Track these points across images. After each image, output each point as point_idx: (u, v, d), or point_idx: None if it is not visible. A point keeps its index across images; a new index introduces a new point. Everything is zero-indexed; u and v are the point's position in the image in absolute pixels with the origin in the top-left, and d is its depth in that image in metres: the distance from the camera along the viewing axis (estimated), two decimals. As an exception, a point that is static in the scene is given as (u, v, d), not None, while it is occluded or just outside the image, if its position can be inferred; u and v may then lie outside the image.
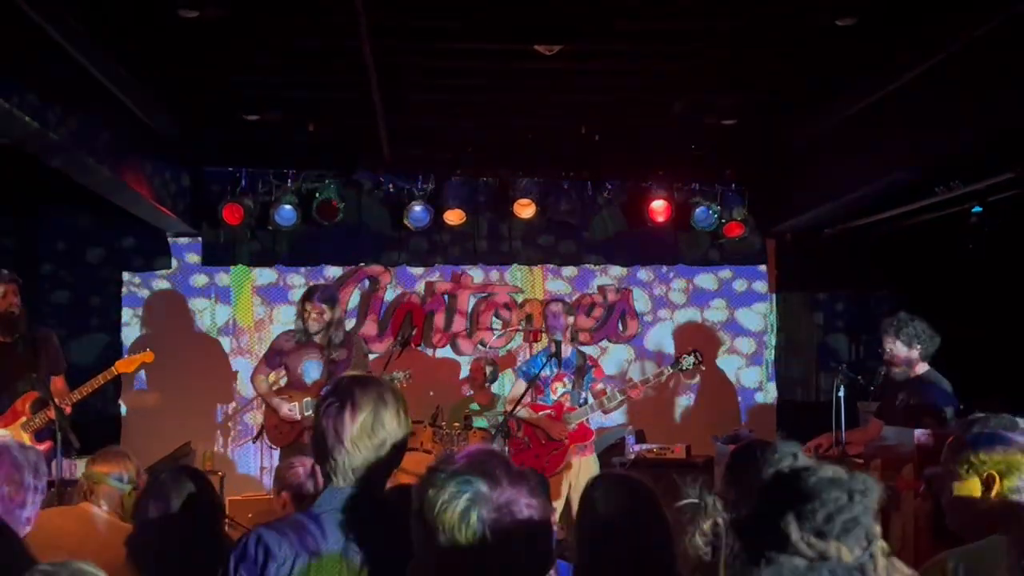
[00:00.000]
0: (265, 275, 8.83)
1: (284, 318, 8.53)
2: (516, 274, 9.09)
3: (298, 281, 8.79)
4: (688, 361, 6.93)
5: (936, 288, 7.76)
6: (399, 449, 2.46)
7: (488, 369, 8.18)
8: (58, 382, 5.98)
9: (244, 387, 8.50)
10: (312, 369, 6.42)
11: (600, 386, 6.92)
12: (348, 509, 2.37)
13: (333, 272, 8.90)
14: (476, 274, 9.07)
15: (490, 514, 1.66)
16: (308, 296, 6.44)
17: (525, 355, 8.62)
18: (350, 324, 8.83)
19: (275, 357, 6.60)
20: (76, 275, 8.52)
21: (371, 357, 6.50)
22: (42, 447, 5.73)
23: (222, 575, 2.35)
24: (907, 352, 5.62)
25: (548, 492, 3.58)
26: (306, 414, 6.25)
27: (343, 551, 2.30)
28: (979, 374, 6.25)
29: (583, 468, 6.71)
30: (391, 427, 2.41)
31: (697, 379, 8.85)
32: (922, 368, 5.64)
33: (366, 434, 2.37)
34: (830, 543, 1.31)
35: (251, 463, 8.37)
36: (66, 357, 6.45)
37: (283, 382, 6.75)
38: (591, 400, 6.83)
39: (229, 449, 8.55)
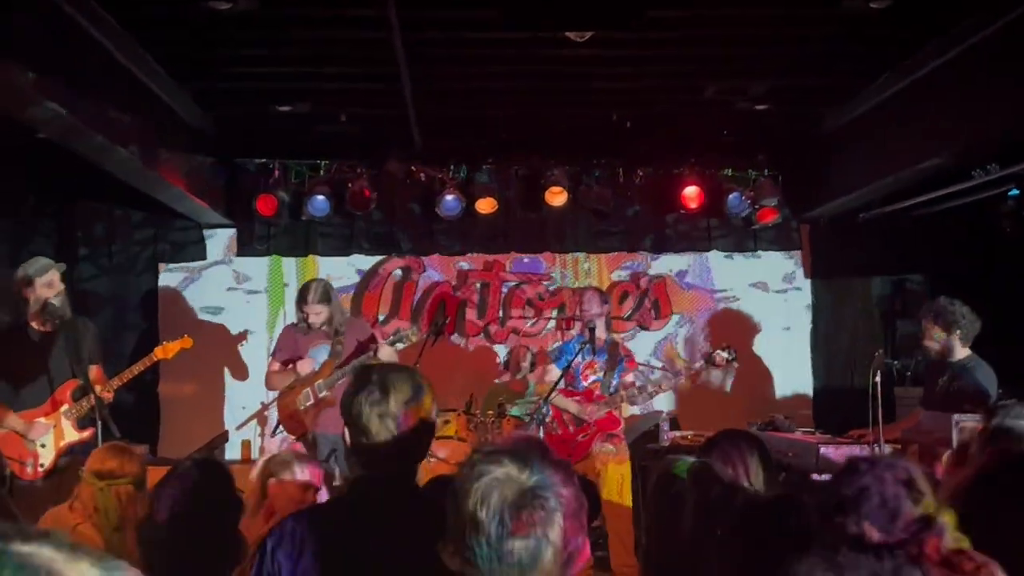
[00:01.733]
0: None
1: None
2: (554, 262, 9.08)
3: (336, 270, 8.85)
4: (722, 356, 6.89)
5: (974, 272, 7.68)
6: (430, 435, 2.48)
7: (525, 357, 8.20)
8: (96, 371, 6.04)
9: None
10: (321, 353, 6.51)
11: (630, 378, 6.91)
12: (382, 496, 2.38)
13: (365, 262, 8.93)
14: (508, 262, 9.07)
15: (514, 496, 1.65)
16: (303, 299, 6.54)
17: (557, 343, 8.62)
18: (383, 313, 8.89)
19: (283, 351, 6.70)
20: (113, 266, 8.61)
21: (401, 347, 6.48)
22: (84, 434, 5.82)
23: (257, 559, 2.37)
24: (947, 337, 5.57)
25: (592, 492, 3.60)
26: (321, 395, 6.33)
27: (374, 538, 2.32)
28: (1020, 358, 6.17)
29: (610, 456, 6.70)
30: (425, 413, 2.43)
31: (731, 372, 8.80)
32: (963, 353, 5.59)
33: (401, 419, 2.39)
34: (850, 523, 1.29)
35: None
36: (105, 348, 6.51)
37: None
38: (621, 391, 6.82)
39: (265, 438, 8.61)
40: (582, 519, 1.72)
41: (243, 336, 8.77)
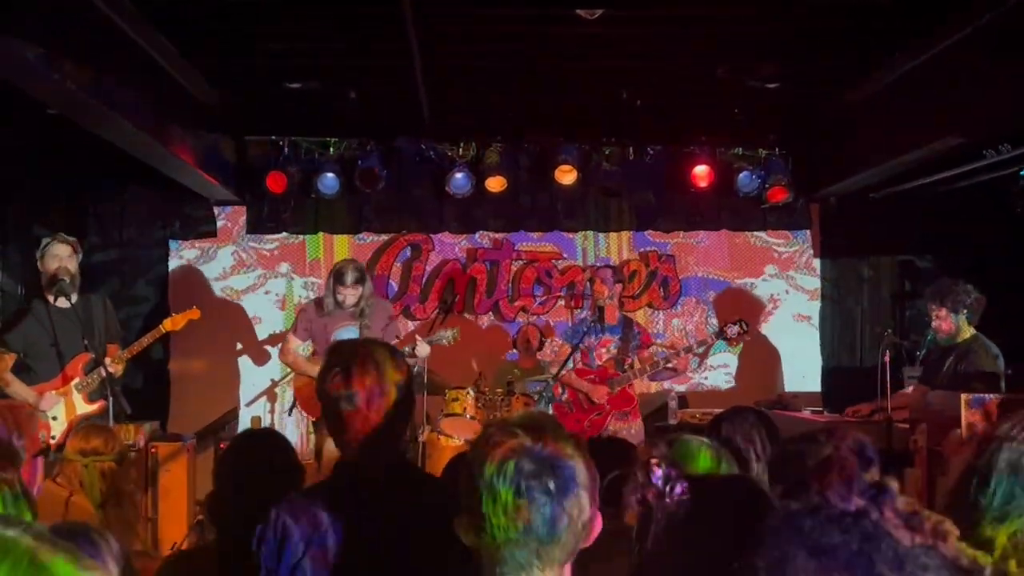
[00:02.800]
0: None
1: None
2: (563, 240, 9.09)
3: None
4: (733, 330, 6.91)
5: (984, 252, 7.66)
6: (407, 410, 2.50)
7: (535, 336, 8.22)
8: (113, 350, 6.08)
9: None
10: (344, 336, 6.43)
11: (648, 352, 6.93)
12: (362, 479, 2.40)
13: (374, 240, 8.95)
14: (517, 240, 9.08)
15: (529, 466, 1.67)
16: (340, 278, 6.53)
17: (567, 321, 8.65)
18: (392, 290, 8.92)
19: (303, 327, 6.70)
20: (124, 243, 8.64)
21: (413, 324, 6.55)
22: (95, 407, 5.88)
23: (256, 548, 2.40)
24: (955, 317, 5.57)
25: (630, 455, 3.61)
26: None
27: (359, 522, 2.34)
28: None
29: (624, 434, 6.72)
30: (398, 389, 2.46)
31: (741, 344, 8.82)
32: (970, 333, 5.60)
33: (376, 398, 2.41)
34: (813, 493, 1.31)
35: (293, 431, 8.47)
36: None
37: (306, 351, 6.92)
38: (636, 366, 6.84)
39: (275, 416, 8.66)
40: (594, 491, 1.74)
41: (254, 312, 8.79)
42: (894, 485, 1.41)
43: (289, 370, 8.12)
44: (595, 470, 1.76)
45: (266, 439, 3.31)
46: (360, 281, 6.51)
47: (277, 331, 8.78)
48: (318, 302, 6.75)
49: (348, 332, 6.49)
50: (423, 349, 6.51)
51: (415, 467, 2.52)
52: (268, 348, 8.77)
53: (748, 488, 2.09)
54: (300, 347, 6.85)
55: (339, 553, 2.32)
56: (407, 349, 6.41)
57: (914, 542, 1.14)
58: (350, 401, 2.40)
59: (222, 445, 3.78)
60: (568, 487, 1.68)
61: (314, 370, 6.35)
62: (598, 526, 1.76)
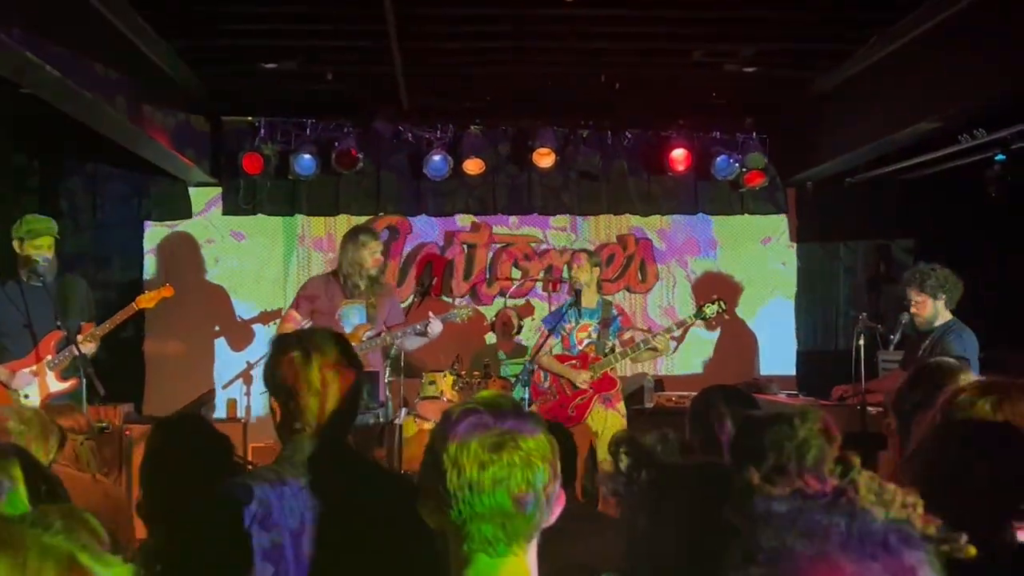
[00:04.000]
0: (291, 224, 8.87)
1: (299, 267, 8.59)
2: (541, 223, 9.08)
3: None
4: (711, 309, 6.91)
5: (959, 236, 7.71)
6: (359, 393, 2.54)
7: (513, 319, 8.22)
8: (87, 328, 6.06)
9: (265, 336, 8.54)
10: (353, 315, 6.27)
11: (628, 335, 6.93)
12: (318, 457, 2.42)
13: (352, 222, 8.91)
14: (495, 223, 9.07)
15: (493, 439, 1.69)
16: (366, 237, 6.32)
17: (545, 305, 8.65)
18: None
19: (307, 304, 6.40)
20: (98, 224, 8.57)
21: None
22: (67, 385, 5.86)
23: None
24: (931, 301, 5.61)
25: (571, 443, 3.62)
26: None
27: (313, 499, 2.36)
28: (1003, 323, 6.23)
29: (609, 418, 6.73)
30: (351, 372, 2.49)
31: (718, 328, 8.87)
32: (946, 317, 5.64)
33: (333, 381, 2.44)
34: (793, 477, 1.31)
35: (272, 411, 8.46)
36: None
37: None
38: (617, 350, 6.85)
39: (251, 398, 8.62)
40: (556, 466, 1.76)
41: (229, 294, 8.75)
42: (856, 460, 1.43)
43: (265, 352, 8.09)
44: (556, 446, 1.78)
45: (181, 426, 3.26)
46: (380, 243, 6.40)
47: (255, 313, 8.75)
48: (327, 278, 6.47)
49: (354, 310, 6.30)
50: (436, 327, 6.29)
51: (357, 453, 2.54)
52: (244, 328, 8.74)
53: (718, 475, 2.10)
54: (301, 324, 6.35)
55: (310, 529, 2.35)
56: (419, 326, 6.31)
57: (888, 516, 1.16)
58: (308, 387, 2.43)
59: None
60: (531, 460, 1.70)
61: None
62: (561, 503, 1.77)
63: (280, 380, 2.47)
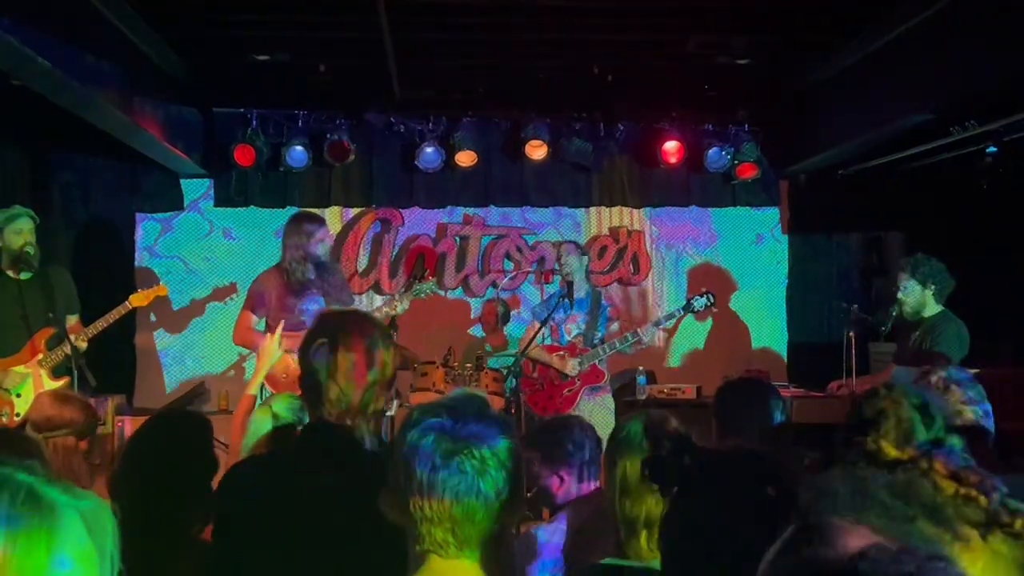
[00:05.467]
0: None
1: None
2: (533, 215, 9.08)
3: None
4: (700, 302, 6.92)
5: (951, 229, 7.73)
6: (388, 386, 2.52)
7: (500, 311, 8.22)
8: (73, 320, 6.02)
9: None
10: (311, 307, 5.90)
11: (615, 327, 6.93)
12: (335, 446, 2.41)
13: (343, 214, 8.91)
14: (487, 215, 9.06)
15: (447, 445, 1.69)
16: (311, 227, 5.97)
17: (536, 297, 8.65)
18: (361, 265, 8.89)
19: (260, 301, 6.00)
20: (89, 216, 8.54)
21: (382, 299, 6.46)
22: (59, 382, 5.81)
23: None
24: (922, 293, 5.62)
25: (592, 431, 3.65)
26: None
27: (327, 486, 2.36)
28: (993, 315, 6.25)
29: (596, 409, 6.73)
30: (381, 364, 2.46)
31: (709, 320, 8.88)
32: (936, 309, 5.65)
33: (359, 372, 2.42)
34: (869, 442, 1.33)
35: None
36: (81, 298, 6.48)
37: (260, 327, 6.03)
38: (605, 342, 6.85)
39: (243, 388, 8.60)
40: (516, 471, 1.76)
41: (221, 286, 8.72)
42: (956, 442, 1.44)
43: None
44: (521, 452, 1.78)
45: (183, 424, 3.20)
46: (326, 227, 6.16)
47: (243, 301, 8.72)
48: (278, 272, 6.03)
49: (314, 301, 5.95)
50: (403, 305, 6.14)
51: (369, 445, 2.52)
52: (233, 319, 8.71)
53: (756, 460, 2.09)
54: (257, 323, 6.03)
55: (292, 515, 2.35)
56: (385, 309, 6.23)
57: (958, 493, 1.17)
58: (331, 374, 2.41)
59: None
60: (486, 467, 1.70)
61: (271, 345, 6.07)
62: (521, 508, 1.78)
63: (308, 363, 2.45)
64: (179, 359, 8.67)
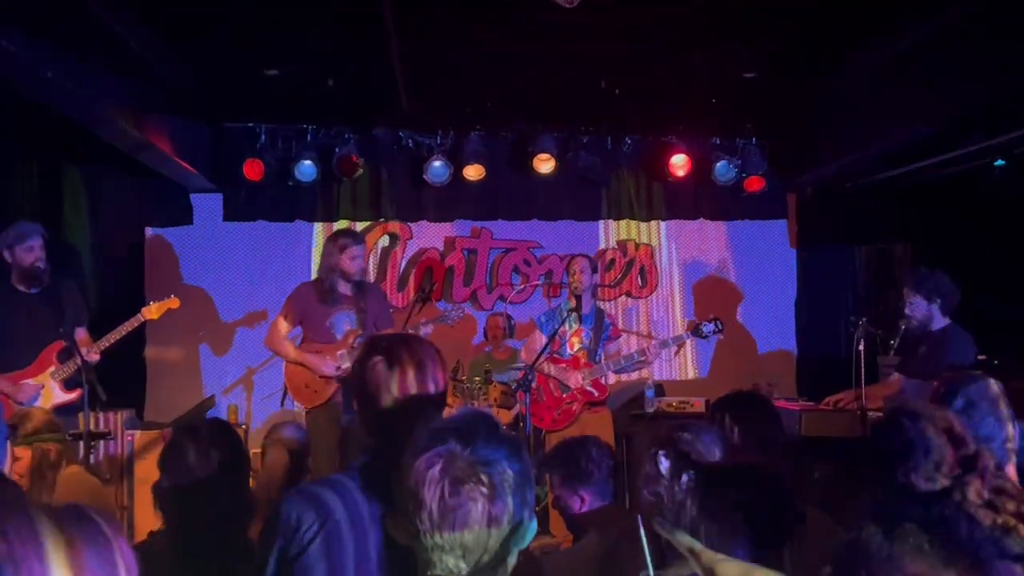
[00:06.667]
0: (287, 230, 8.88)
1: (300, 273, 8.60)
2: (541, 228, 9.09)
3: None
4: (709, 328, 6.90)
5: (959, 242, 7.72)
6: (439, 408, 2.48)
7: (504, 325, 8.22)
8: (81, 333, 6.04)
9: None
10: (342, 322, 6.17)
11: (614, 347, 6.92)
12: (388, 470, 2.39)
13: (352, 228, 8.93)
14: (495, 229, 9.08)
15: (455, 471, 1.66)
16: (345, 241, 6.16)
17: (544, 310, 8.65)
18: (370, 279, 8.90)
19: (296, 311, 6.25)
20: (99, 231, 8.57)
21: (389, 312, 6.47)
22: (72, 396, 5.83)
23: (262, 538, 2.37)
24: (928, 306, 5.61)
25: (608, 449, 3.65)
26: (344, 366, 5.97)
27: (379, 512, 2.31)
28: (1001, 328, 6.23)
29: (594, 424, 6.72)
30: (435, 386, 2.44)
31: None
32: (943, 322, 5.64)
33: (413, 394, 2.39)
34: (899, 475, 1.32)
35: (272, 419, 8.46)
36: (89, 311, 6.50)
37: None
38: (606, 359, 6.84)
39: (252, 403, 8.63)
40: (527, 495, 1.73)
41: (231, 300, 8.74)
42: (985, 461, 1.42)
43: (266, 358, 8.10)
44: (531, 474, 1.75)
45: (217, 430, 3.22)
46: (363, 242, 6.30)
47: (253, 316, 8.76)
48: (315, 284, 6.30)
49: (343, 317, 6.17)
50: (425, 331, 6.19)
51: None
52: (245, 335, 8.74)
53: (763, 475, 2.08)
54: (289, 333, 6.33)
55: (348, 547, 2.29)
56: (409, 330, 6.26)
57: (995, 523, 1.15)
58: (389, 392, 2.39)
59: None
60: (497, 493, 1.68)
61: (303, 357, 6.11)
62: (532, 530, 1.75)
63: (364, 383, 2.42)
64: (188, 373, 8.68)
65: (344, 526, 2.28)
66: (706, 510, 1.86)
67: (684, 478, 1.94)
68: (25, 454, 4.06)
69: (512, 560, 1.73)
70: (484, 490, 1.67)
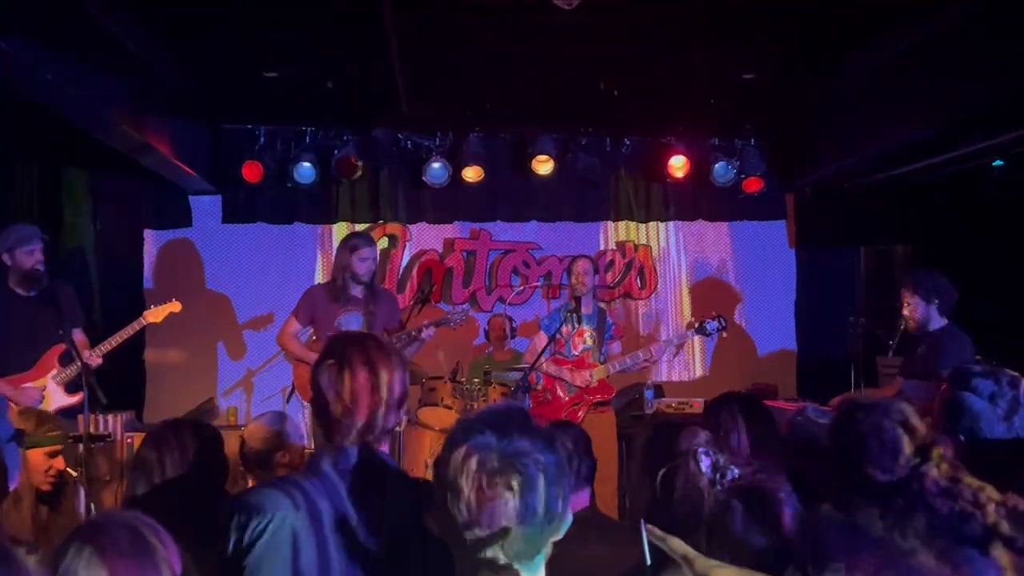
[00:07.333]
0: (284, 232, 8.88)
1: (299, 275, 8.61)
2: (540, 230, 9.09)
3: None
4: (712, 326, 6.89)
5: (957, 242, 7.72)
6: (398, 406, 2.49)
7: (506, 326, 8.22)
8: (78, 335, 6.04)
9: (266, 343, 8.53)
10: (351, 322, 6.23)
11: (617, 348, 6.93)
12: (345, 468, 2.40)
13: (351, 230, 8.93)
14: (494, 230, 9.08)
15: (492, 463, 1.68)
16: (356, 242, 6.28)
17: (544, 311, 8.65)
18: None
19: (307, 311, 6.34)
20: (98, 232, 8.57)
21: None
22: (74, 399, 5.83)
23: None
24: (926, 307, 5.62)
25: (587, 446, 3.57)
26: None
27: (340, 510, 2.33)
28: (999, 329, 6.23)
29: (600, 424, 6.72)
30: (389, 385, 2.45)
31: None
32: (941, 322, 5.65)
33: (365, 392, 2.41)
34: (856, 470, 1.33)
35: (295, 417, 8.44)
36: (89, 314, 6.50)
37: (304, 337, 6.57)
38: (610, 358, 6.84)
39: (252, 405, 8.63)
40: (563, 485, 1.75)
41: (229, 302, 8.74)
42: (938, 451, 1.43)
43: (266, 360, 8.11)
44: (566, 465, 1.77)
45: (187, 432, 3.21)
46: (373, 244, 6.36)
47: (254, 318, 8.76)
48: (327, 286, 6.40)
49: (352, 318, 6.26)
50: (427, 333, 6.32)
51: (389, 464, 2.51)
52: (243, 335, 8.75)
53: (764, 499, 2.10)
54: (300, 331, 6.44)
55: (305, 548, 2.30)
56: (412, 332, 6.31)
57: (953, 510, 1.15)
58: (339, 394, 2.41)
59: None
60: (532, 483, 1.69)
61: (307, 355, 6.12)
62: (568, 522, 1.77)
63: (317, 384, 2.45)
64: (188, 375, 8.68)
65: (301, 526, 2.28)
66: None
67: (728, 476, 1.95)
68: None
69: (548, 551, 1.75)
70: (520, 480, 1.69)
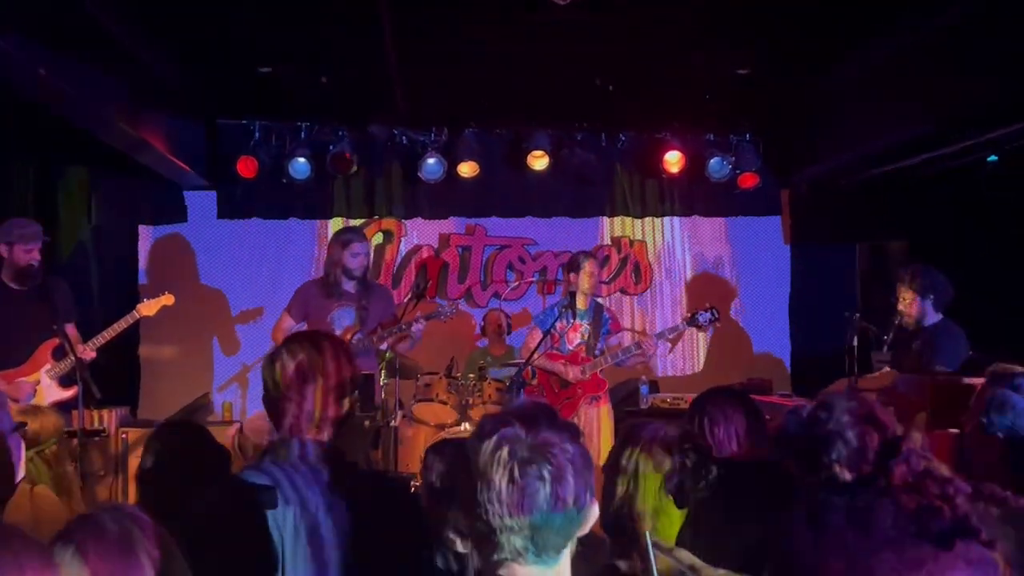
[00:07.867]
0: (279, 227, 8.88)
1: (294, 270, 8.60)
2: (536, 225, 9.10)
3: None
4: (705, 317, 6.92)
5: (953, 238, 7.74)
6: (342, 394, 2.60)
7: (503, 321, 8.23)
8: (71, 330, 6.04)
9: (261, 339, 8.53)
10: (344, 318, 6.33)
11: (615, 340, 6.95)
12: (296, 458, 2.49)
13: (346, 226, 8.93)
14: (490, 226, 9.09)
15: (524, 452, 1.69)
16: (348, 237, 6.38)
17: (539, 306, 8.66)
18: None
19: (300, 307, 6.45)
20: (93, 228, 8.55)
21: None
22: (68, 393, 5.83)
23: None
24: (921, 301, 5.63)
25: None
26: None
27: (298, 499, 2.42)
28: (994, 324, 6.25)
29: (596, 418, 6.75)
30: (326, 372, 2.57)
31: (711, 329, 8.89)
32: (936, 318, 5.66)
33: (303, 381, 2.55)
34: (822, 468, 1.33)
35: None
36: (84, 310, 6.49)
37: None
38: (606, 352, 6.86)
39: (247, 401, 8.63)
40: (589, 478, 1.75)
41: (224, 298, 8.74)
42: (909, 445, 1.42)
43: (261, 355, 8.08)
44: (591, 458, 1.78)
45: (185, 433, 3.24)
46: (366, 239, 6.40)
47: (249, 317, 8.75)
48: (320, 281, 6.51)
49: (345, 313, 6.34)
50: (419, 327, 6.38)
51: (340, 456, 2.59)
52: (238, 332, 8.74)
53: (775, 474, 2.10)
54: (293, 327, 6.43)
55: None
56: (403, 326, 6.34)
57: (920, 505, 1.15)
58: (283, 389, 2.56)
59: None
60: (563, 474, 1.70)
61: None
62: (595, 512, 1.78)
63: (264, 379, 2.59)
64: (183, 370, 8.68)
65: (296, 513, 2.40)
66: (731, 505, 1.87)
67: (712, 472, 1.96)
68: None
69: (573, 545, 1.76)
70: (551, 470, 1.69)
